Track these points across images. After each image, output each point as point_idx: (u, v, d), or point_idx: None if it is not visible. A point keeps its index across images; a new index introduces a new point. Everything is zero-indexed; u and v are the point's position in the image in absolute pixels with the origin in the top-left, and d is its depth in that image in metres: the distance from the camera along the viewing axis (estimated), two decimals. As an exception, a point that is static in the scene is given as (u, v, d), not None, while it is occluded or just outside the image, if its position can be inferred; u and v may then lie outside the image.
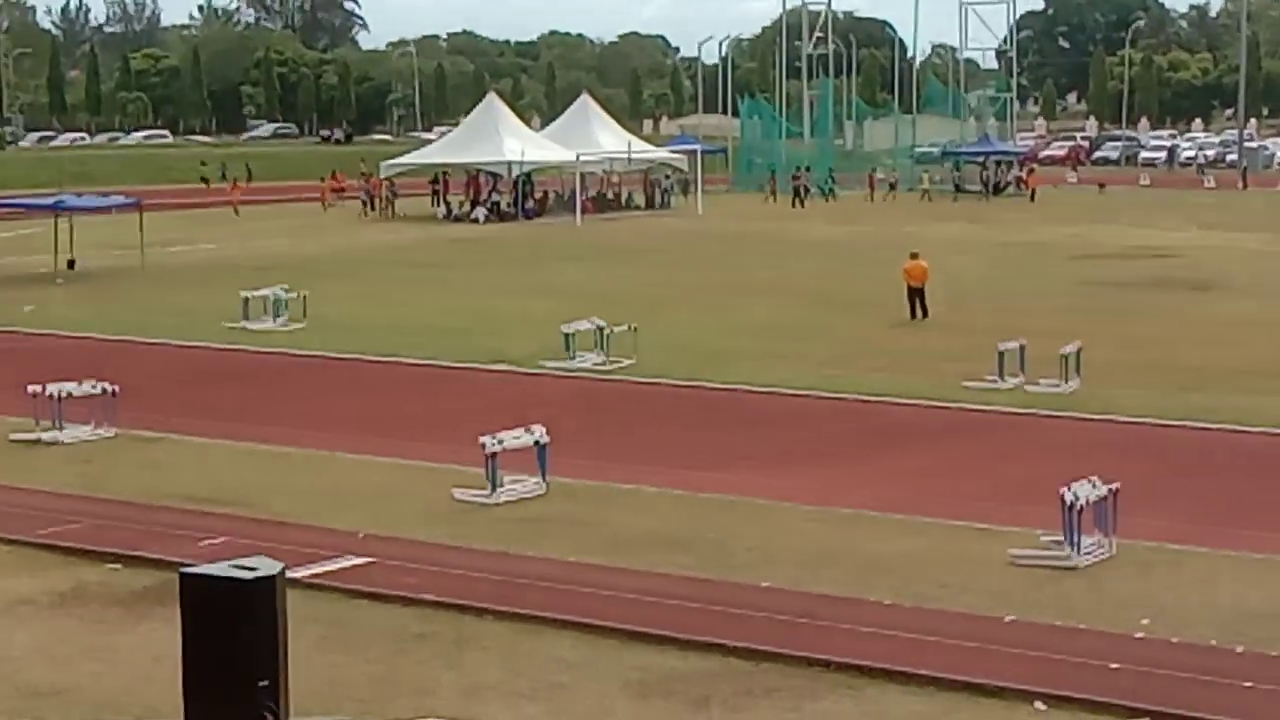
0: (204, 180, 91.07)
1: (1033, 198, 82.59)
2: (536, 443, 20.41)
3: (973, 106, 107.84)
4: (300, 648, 9.65)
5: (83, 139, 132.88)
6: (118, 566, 17.34)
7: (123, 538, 18.22)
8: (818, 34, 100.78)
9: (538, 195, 76.07)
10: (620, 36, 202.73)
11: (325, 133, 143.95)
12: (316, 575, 16.51)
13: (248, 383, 29.99)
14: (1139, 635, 14.86)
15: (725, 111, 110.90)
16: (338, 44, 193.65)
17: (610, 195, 79.69)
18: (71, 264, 48.77)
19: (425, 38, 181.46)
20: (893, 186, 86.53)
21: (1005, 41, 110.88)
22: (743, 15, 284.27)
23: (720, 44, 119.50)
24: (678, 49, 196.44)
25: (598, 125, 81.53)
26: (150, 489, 20.74)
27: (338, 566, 16.98)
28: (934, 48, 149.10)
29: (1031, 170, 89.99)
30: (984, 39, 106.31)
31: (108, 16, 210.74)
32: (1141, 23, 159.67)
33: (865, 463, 22.69)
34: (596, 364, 30.69)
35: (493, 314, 38.62)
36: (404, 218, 72.63)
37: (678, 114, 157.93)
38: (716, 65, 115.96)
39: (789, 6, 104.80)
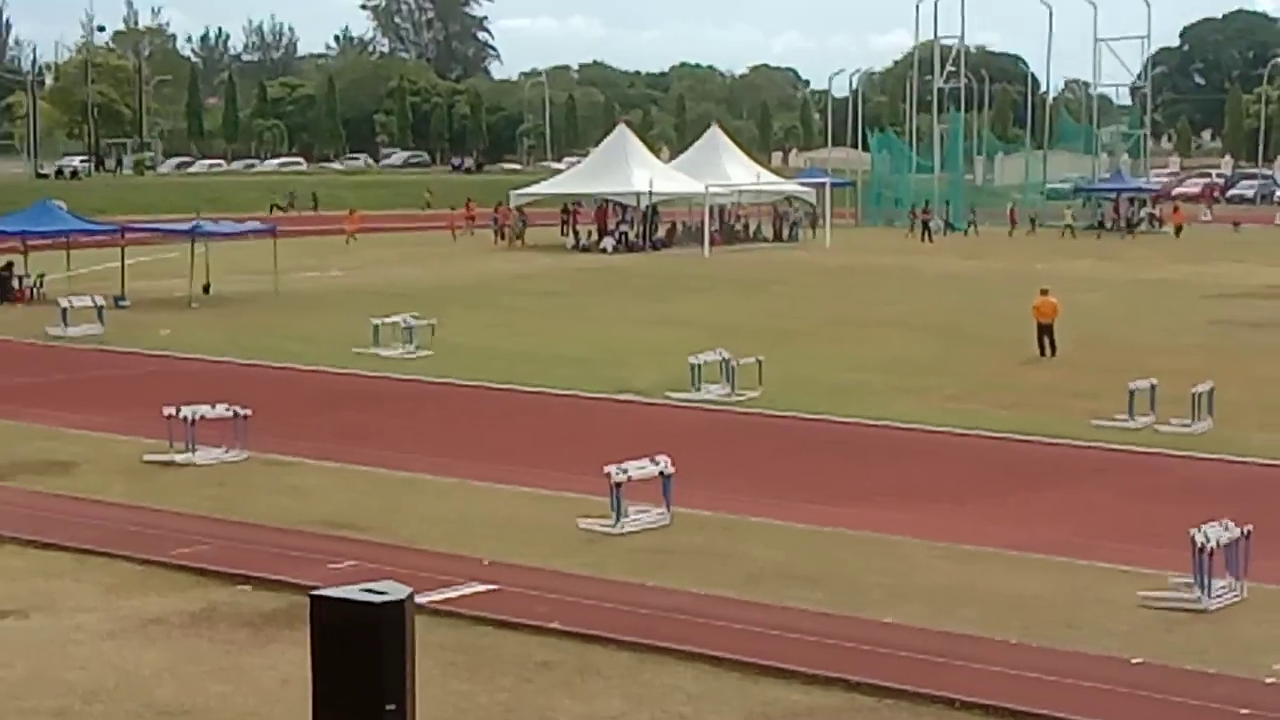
0: (274, 206, 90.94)
1: (1177, 233, 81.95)
2: (662, 473, 20.44)
3: (1105, 142, 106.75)
4: (426, 673, 9.73)
5: (220, 165, 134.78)
6: (247, 588, 17.54)
7: (252, 560, 18.44)
8: (950, 68, 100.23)
9: (666, 226, 76.19)
10: (751, 69, 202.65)
11: (456, 161, 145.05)
12: (443, 601, 16.62)
13: (376, 409, 30.25)
14: (1269, 681, 14.62)
15: (855, 145, 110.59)
16: (470, 74, 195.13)
17: (738, 227, 79.70)
18: (207, 288, 49.48)
19: (556, 68, 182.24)
20: (1034, 221, 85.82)
21: (1140, 77, 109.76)
22: (874, 49, 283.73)
23: (851, 77, 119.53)
24: (808, 82, 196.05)
25: (727, 157, 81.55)
26: (280, 512, 20.98)
27: (464, 593, 17.08)
28: (1067, 83, 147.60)
29: (1176, 207, 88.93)
30: (1118, 75, 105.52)
31: (246, 45, 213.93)
32: (1279, 59, 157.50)
33: (993, 500, 22.51)
34: (722, 396, 30.69)
35: (619, 344, 38.73)
36: (533, 247, 73.02)
37: (807, 147, 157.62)
38: (847, 99, 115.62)
39: (921, 40, 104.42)
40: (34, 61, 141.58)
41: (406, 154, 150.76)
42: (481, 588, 17.33)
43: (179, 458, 24.11)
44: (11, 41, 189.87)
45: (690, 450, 23.30)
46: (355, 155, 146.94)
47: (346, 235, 73.90)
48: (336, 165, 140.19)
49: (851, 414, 28.95)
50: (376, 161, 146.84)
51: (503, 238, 76.34)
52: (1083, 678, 14.56)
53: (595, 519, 20.18)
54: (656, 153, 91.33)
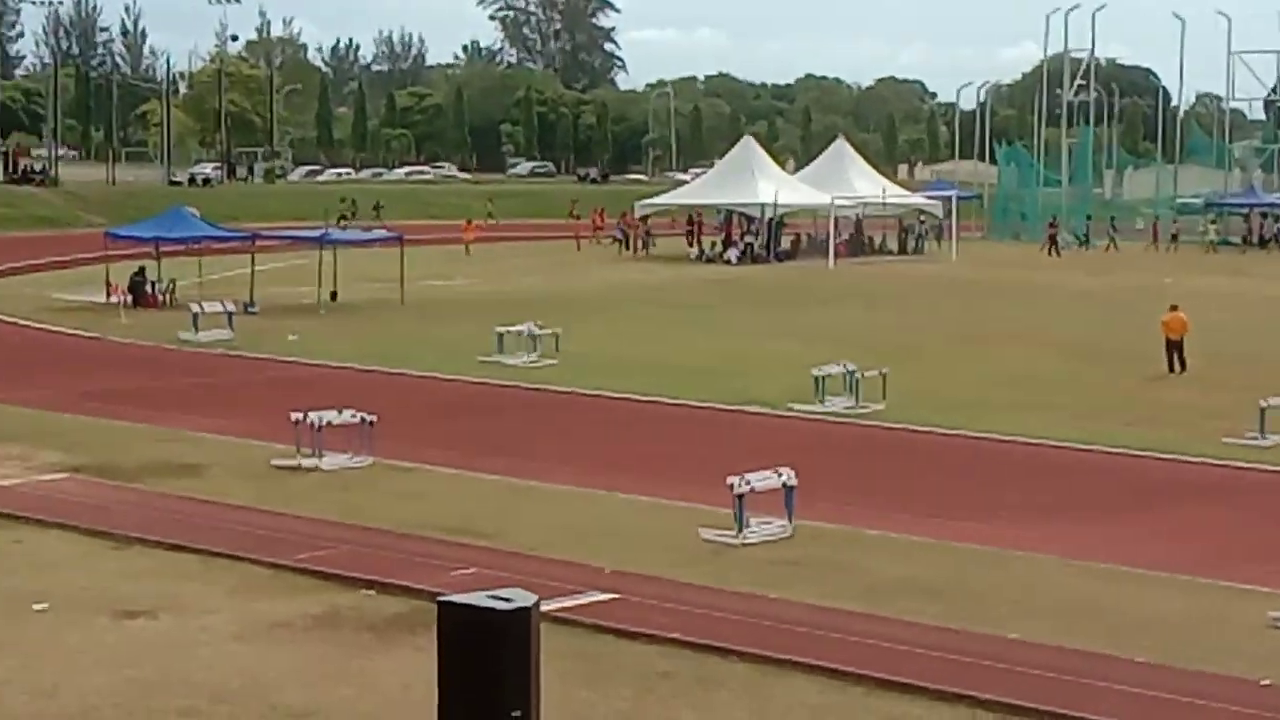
0: (342, 217, 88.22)
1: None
2: (784, 485, 20.36)
3: (1238, 157, 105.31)
4: (547, 681, 9.71)
5: (348, 174, 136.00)
6: (371, 592, 17.65)
7: (376, 564, 18.55)
8: (1079, 81, 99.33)
9: (790, 238, 76.14)
10: (877, 81, 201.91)
11: (582, 172, 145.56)
12: (564, 609, 16.62)
13: (500, 417, 30.39)
14: (1407, 706, 14.31)
15: (982, 158, 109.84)
16: (597, 85, 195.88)
17: (863, 239, 79.43)
18: (334, 296, 49.96)
19: (682, 79, 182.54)
20: (1174, 237, 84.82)
21: (1274, 91, 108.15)
22: (1002, 61, 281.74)
23: (978, 90, 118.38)
24: (935, 94, 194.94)
25: (853, 169, 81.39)
26: (403, 517, 21.11)
27: (585, 601, 17.08)
28: (1199, 97, 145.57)
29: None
30: (1252, 89, 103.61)
31: (375, 55, 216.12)
32: None
33: (1121, 517, 22.22)
34: (846, 408, 30.54)
35: (743, 355, 38.66)
36: (657, 257, 73.14)
37: (933, 160, 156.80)
38: (974, 111, 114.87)
39: (1050, 53, 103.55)
40: (168, 70, 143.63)
41: (532, 164, 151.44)
42: (602, 596, 17.33)
43: (305, 462, 24.32)
44: (146, 51, 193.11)
45: (813, 462, 23.20)
46: (439, 164, 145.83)
47: (464, 244, 74.29)
48: (464, 175, 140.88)
49: (977, 429, 28.72)
50: (461, 170, 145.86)
51: (628, 247, 76.59)
52: (1212, 699, 14.32)
53: (717, 529, 20.13)
54: (782, 164, 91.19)
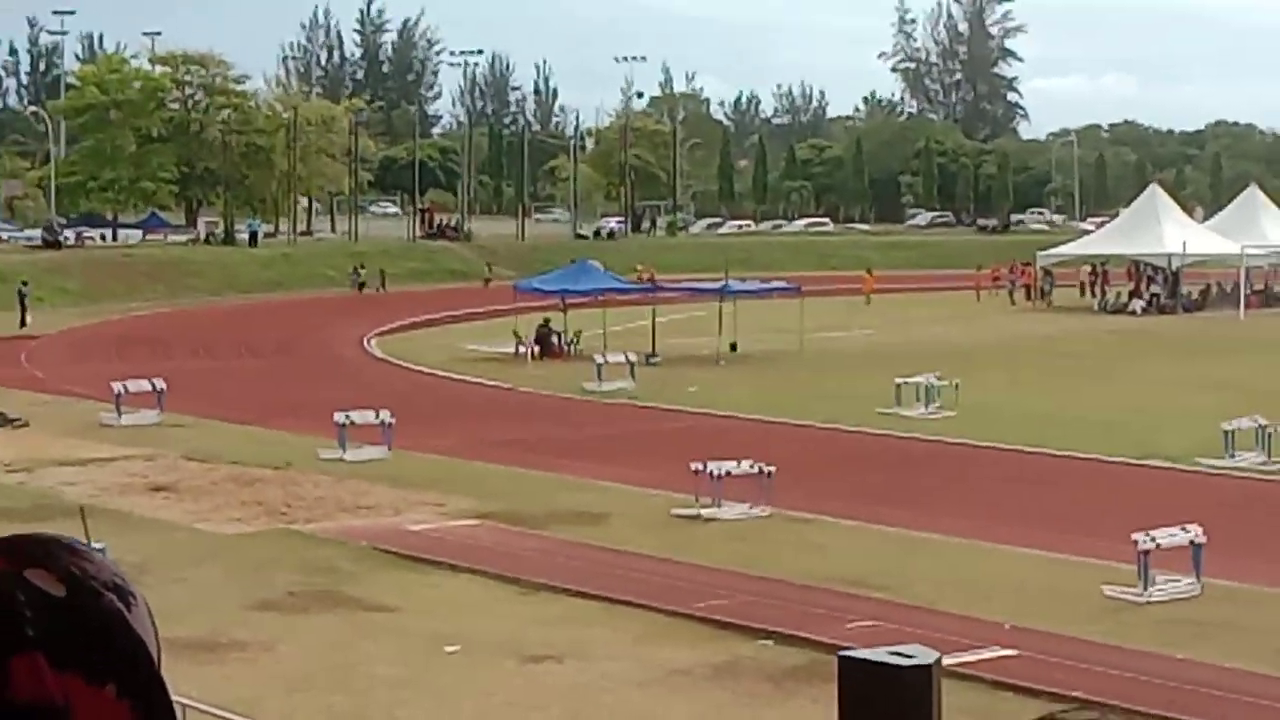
0: (360, 285, 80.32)
1: None
2: (1192, 542, 19.82)
3: None
4: (946, 735, 9.71)
5: (748, 226, 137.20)
6: (769, 643, 17.78)
7: (774, 615, 18.69)
8: None
9: (1200, 288, 74.10)
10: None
11: (982, 222, 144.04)
12: (963, 664, 16.48)
13: (898, 469, 30.26)
14: None
15: None
16: (998, 134, 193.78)
17: (1277, 289, 76.73)
18: (734, 346, 50.46)
19: (1086, 127, 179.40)
20: None
21: None
22: None
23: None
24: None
25: (1265, 217, 78.81)
26: (801, 568, 21.22)
27: (983, 657, 16.91)
28: None
29: None
30: None
31: (775, 109, 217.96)
32: None
33: None
34: (1258, 464, 29.52)
35: (1147, 408, 37.70)
36: (1059, 308, 71.93)
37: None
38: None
39: None
40: (576, 127, 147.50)
41: (932, 214, 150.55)
42: (1002, 652, 17.14)
43: (705, 512, 24.64)
44: (556, 108, 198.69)
45: (1222, 519, 22.49)
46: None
47: (865, 294, 74.41)
48: (862, 225, 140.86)
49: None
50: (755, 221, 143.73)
51: (1027, 298, 75.49)
52: None
53: (1121, 586, 19.70)
54: (1190, 212, 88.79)
